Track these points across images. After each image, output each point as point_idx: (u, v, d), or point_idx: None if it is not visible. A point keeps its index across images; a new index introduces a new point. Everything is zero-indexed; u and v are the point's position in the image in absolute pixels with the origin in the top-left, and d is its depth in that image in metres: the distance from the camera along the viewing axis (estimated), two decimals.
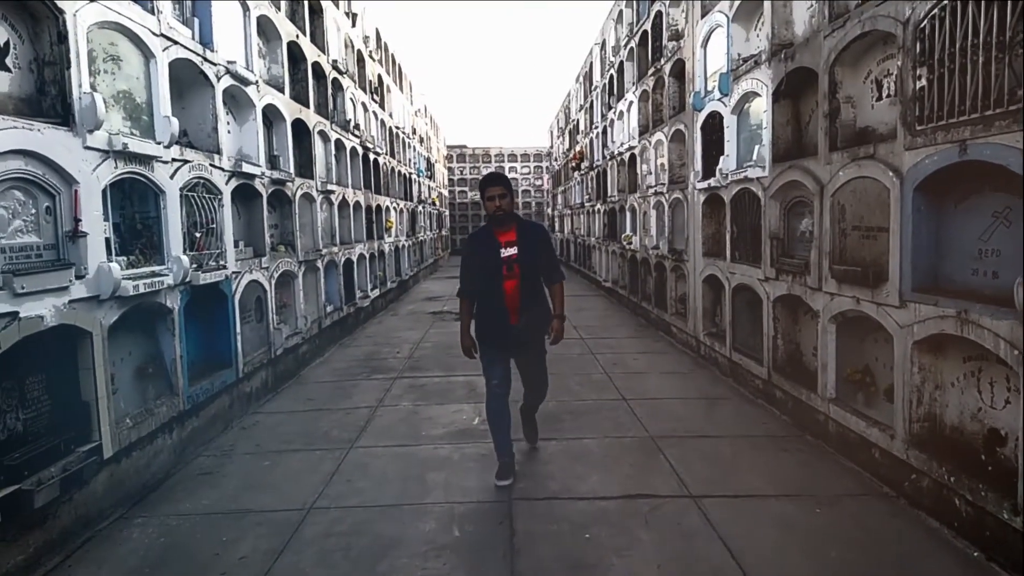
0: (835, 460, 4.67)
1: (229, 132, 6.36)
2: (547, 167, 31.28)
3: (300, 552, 3.61)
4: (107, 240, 4.21)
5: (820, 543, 3.52)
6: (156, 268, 4.72)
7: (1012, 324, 3.12)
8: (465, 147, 33.94)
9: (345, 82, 10.82)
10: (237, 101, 6.56)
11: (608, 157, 13.82)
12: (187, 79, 5.60)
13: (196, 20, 5.56)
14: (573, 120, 20.23)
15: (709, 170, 7.50)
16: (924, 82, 3.77)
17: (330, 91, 9.95)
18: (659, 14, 9.64)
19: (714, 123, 7.47)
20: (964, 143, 3.42)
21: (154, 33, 4.81)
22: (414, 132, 19.71)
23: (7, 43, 3.69)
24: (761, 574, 3.25)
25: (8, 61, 3.69)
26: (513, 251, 4.19)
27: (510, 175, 32.90)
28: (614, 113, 13.18)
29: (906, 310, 3.95)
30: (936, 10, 3.65)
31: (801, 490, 4.20)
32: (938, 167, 3.64)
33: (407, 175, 18.03)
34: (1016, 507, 3.09)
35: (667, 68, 9.26)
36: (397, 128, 16.51)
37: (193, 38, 5.44)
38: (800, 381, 5.39)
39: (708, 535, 3.65)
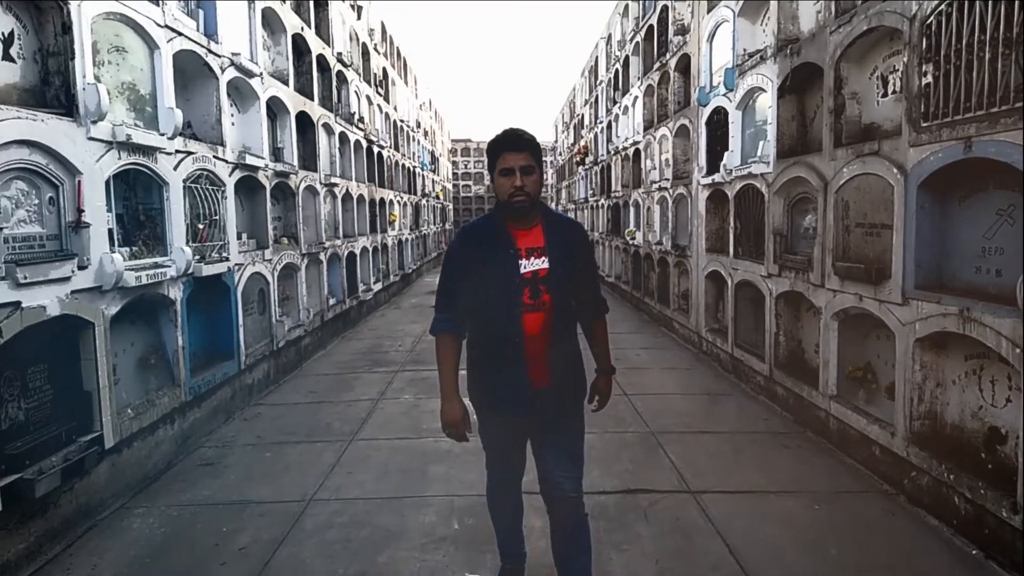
0: (835, 457, 4.67)
1: (233, 124, 6.36)
2: (551, 161, 31.23)
3: (300, 543, 3.62)
4: (110, 231, 4.22)
5: (819, 540, 3.52)
6: (159, 259, 4.72)
7: (1014, 323, 3.11)
8: (470, 141, 33.92)
9: (350, 75, 10.81)
10: (241, 93, 6.56)
11: (612, 152, 13.79)
12: (191, 70, 5.59)
13: (201, 11, 5.55)
14: (578, 115, 20.18)
15: (713, 166, 7.48)
16: (930, 78, 3.75)
17: (335, 84, 9.94)
18: (665, 9, 9.60)
19: (719, 119, 7.44)
20: (969, 140, 3.40)
21: (158, 24, 4.80)
22: (418, 125, 19.69)
23: (11, 33, 3.69)
24: (760, 570, 3.25)
25: (12, 51, 3.70)
26: (541, 264, 2.48)
27: None
28: (619, 108, 13.13)
29: (908, 307, 3.93)
30: (943, 6, 3.63)
31: (801, 487, 4.20)
32: (943, 164, 3.62)
33: (411, 168, 18.02)
34: (1015, 505, 3.08)
35: (672, 63, 9.22)
36: (401, 121, 16.49)
37: (198, 29, 5.43)
38: (802, 378, 5.38)
39: (707, 531, 3.65)
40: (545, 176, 32.57)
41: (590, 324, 2.81)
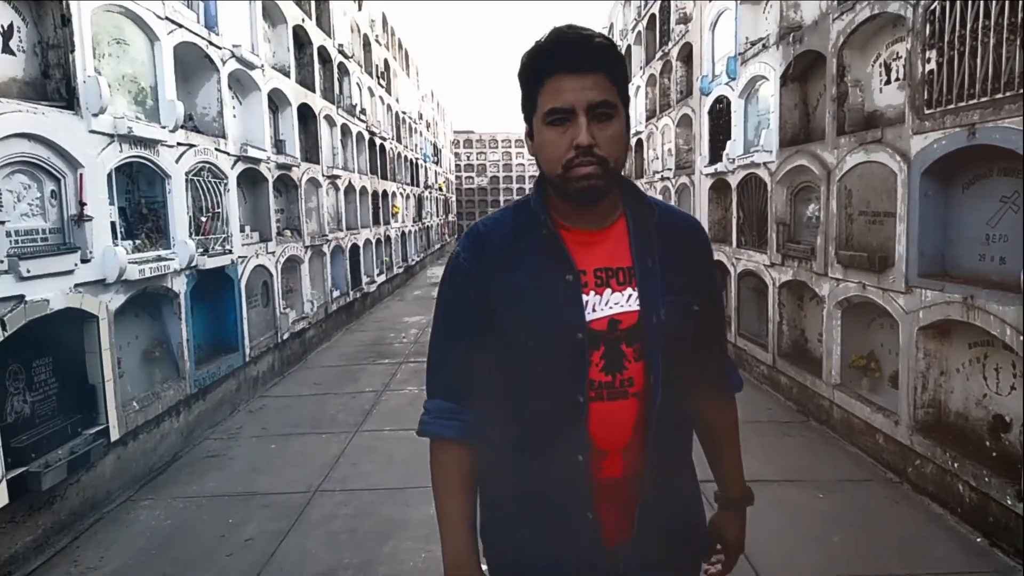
0: (839, 446, 4.67)
1: (235, 116, 6.35)
2: None
3: (306, 534, 3.64)
4: (112, 224, 4.23)
5: (823, 528, 3.52)
6: (162, 252, 4.73)
7: (1018, 310, 3.09)
8: (472, 132, 33.81)
9: (351, 66, 10.76)
10: (242, 85, 6.54)
11: None
12: (192, 63, 5.58)
13: (201, 3, 5.53)
14: None
15: (716, 155, 7.45)
16: (933, 65, 3.72)
17: (336, 75, 9.91)
18: None
19: (721, 107, 7.41)
20: (973, 127, 3.38)
21: (159, 16, 4.79)
22: (420, 117, 19.63)
23: (11, 26, 3.68)
24: (763, 559, 3.25)
25: (12, 44, 3.69)
26: (626, 303, 1.21)
27: (516, 161, 32.81)
28: None
29: (912, 295, 3.92)
30: None
31: (804, 475, 4.20)
32: (946, 151, 3.60)
33: (413, 160, 17.98)
34: (1020, 493, 3.08)
35: (675, 52, 9.17)
36: (403, 113, 16.44)
37: (198, 21, 5.42)
38: (805, 367, 5.37)
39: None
40: None
41: (707, 410, 1.52)
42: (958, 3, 3.52)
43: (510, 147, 33.39)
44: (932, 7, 3.71)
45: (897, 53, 4.44)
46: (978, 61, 3.39)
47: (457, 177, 32.33)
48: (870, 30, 4.56)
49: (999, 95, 3.24)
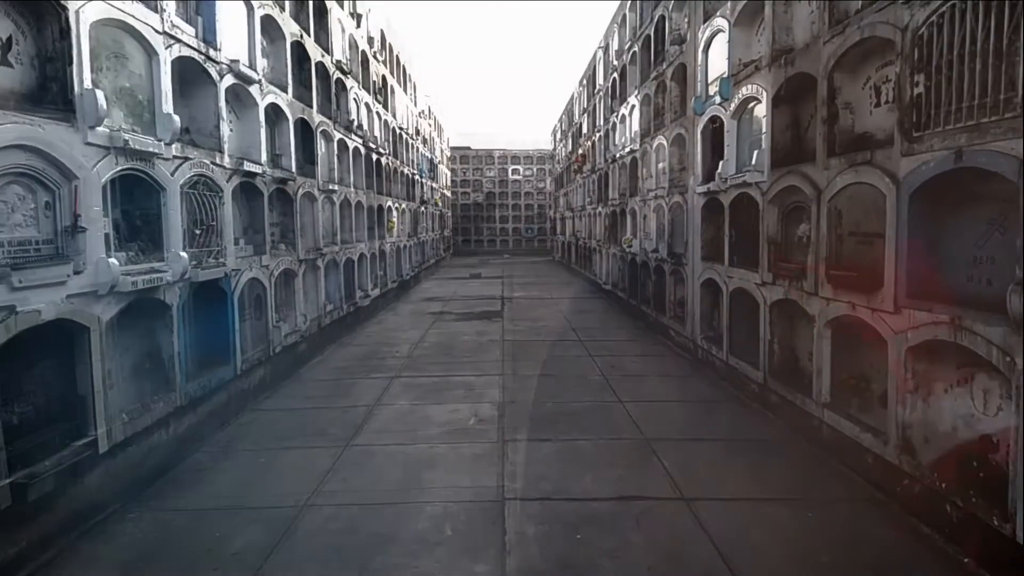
0: (828, 464, 4.67)
1: (232, 130, 6.38)
2: (549, 170, 31.36)
3: (294, 549, 3.64)
4: (107, 235, 4.25)
5: (811, 547, 3.53)
6: (156, 264, 4.74)
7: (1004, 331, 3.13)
8: (469, 149, 34.03)
9: (349, 82, 10.84)
10: (240, 99, 6.58)
11: (610, 160, 13.84)
12: (190, 77, 5.61)
13: (200, 18, 5.58)
14: (576, 123, 20.27)
15: (709, 174, 7.51)
16: (922, 88, 3.78)
17: (334, 91, 9.97)
18: (662, 19, 9.66)
19: (715, 127, 7.48)
20: (960, 150, 3.43)
21: (157, 31, 4.84)
22: (417, 133, 19.74)
23: (10, 38, 3.71)
24: None
25: (11, 56, 3.72)
26: None
27: (513, 176, 33.10)
28: (616, 117, 13.20)
29: (900, 316, 3.96)
30: (934, 17, 3.67)
31: (794, 494, 4.21)
32: (934, 174, 3.65)
33: (410, 176, 18.05)
34: (1006, 514, 3.10)
35: (669, 72, 9.27)
36: (400, 129, 16.53)
37: (197, 36, 5.46)
38: (795, 386, 5.39)
39: (699, 538, 3.66)
40: (543, 184, 32.76)
41: None
42: (945, 28, 3.58)
43: (506, 163, 33.69)
44: (920, 32, 3.78)
45: (887, 76, 4.50)
46: (965, 85, 3.45)
47: (453, 192, 32.54)
48: (860, 53, 4.63)
49: (985, 119, 3.30)
